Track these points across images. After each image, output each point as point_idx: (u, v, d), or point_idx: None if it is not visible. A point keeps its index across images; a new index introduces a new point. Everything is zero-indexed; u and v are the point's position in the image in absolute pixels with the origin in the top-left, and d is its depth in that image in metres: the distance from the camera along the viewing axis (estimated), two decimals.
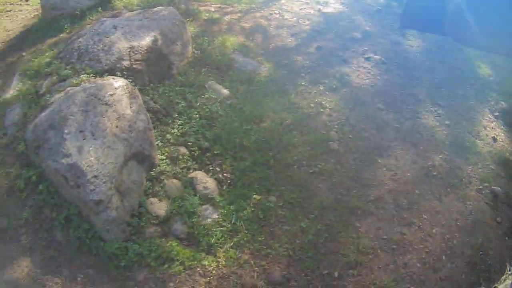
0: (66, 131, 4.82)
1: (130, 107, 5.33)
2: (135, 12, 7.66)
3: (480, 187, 6.04)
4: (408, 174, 6.00)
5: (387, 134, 6.57)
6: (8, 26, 10.26)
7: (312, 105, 6.83)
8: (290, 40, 8.50)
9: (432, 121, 6.98)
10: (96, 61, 6.00)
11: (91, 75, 5.77)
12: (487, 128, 7.16)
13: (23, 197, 5.04)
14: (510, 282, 4.16)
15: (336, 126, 6.48)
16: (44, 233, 4.88)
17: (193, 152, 5.76)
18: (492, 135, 7.02)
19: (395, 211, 5.49)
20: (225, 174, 5.61)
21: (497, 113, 7.57)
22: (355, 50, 8.33)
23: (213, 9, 9.21)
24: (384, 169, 6.02)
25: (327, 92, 7.13)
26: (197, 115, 6.18)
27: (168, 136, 5.86)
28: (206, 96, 6.45)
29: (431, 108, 7.24)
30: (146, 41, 6.46)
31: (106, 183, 4.69)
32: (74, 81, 5.61)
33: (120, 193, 4.89)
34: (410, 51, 8.71)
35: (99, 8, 8.35)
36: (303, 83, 7.28)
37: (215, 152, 5.81)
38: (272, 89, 7.02)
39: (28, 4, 11.36)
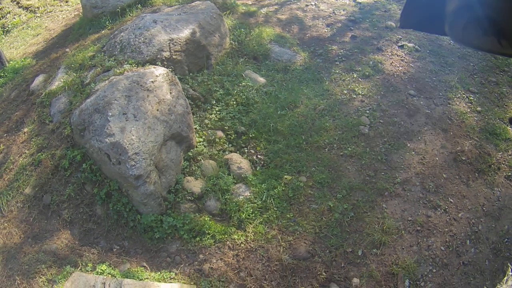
0: (110, 113, 5.23)
1: (170, 92, 5.73)
2: (174, 7, 8.13)
3: (509, 173, 6.02)
4: (437, 159, 6.08)
5: (417, 119, 6.67)
6: (50, 25, 10.99)
7: (345, 91, 7.07)
8: (325, 30, 8.74)
9: (464, 107, 7.03)
10: (138, 53, 6.46)
11: (134, 65, 6.21)
12: None
13: (67, 175, 5.54)
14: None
15: (367, 112, 6.68)
16: (85, 207, 5.35)
17: (229, 136, 6.13)
18: None
19: (422, 194, 5.59)
20: (259, 156, 5.96)
21: None
22: (389, 39, 8.46)
23: (250, 2, 9.60)
24: (413, 152, 6.13)
25: (360, 79, 7.34)
26: (234, 102, 6.54)
27: (206, 121, 6.25)
28: (243, 84, 6.82)
29: (463, 95, 7.29)
30: (184, 33, 6.86)
31: (145, 160, 5.04)
32: (117, 70, 6.07)
33: (158, 169, 5.27)
34: (443, 39, 8.69)
35: (139, 5, 8.89)
36: (337, 71, 7.52)
37: (250, 135, 6.16)
38: (307, 77, 7.31)
39: (68, 4, 12.09)
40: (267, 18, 8.95)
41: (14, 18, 12.28)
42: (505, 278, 4.54)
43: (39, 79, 7.39)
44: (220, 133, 6.14)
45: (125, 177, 5.04)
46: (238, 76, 7.00)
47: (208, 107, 6.47)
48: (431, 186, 5.70)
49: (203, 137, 6.03)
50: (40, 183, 5.61)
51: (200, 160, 5.81)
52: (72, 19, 10.61)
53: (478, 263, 4.98)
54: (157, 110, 5.46)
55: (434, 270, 4.86)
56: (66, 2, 12.45)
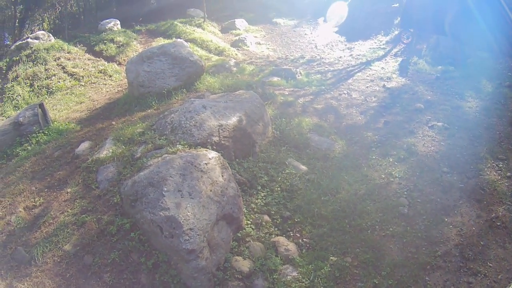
0: (165, 189, 5.62)
1: (222, 175, 6.22)
2: (219, 94, 8.84)
3: None
4: (473, 228, 6.36)
5: (452, 194, 6.99)
6: (93, 96, 11.94)
7: (383, 175, 7.48)
8: (359, 118, 9.36)
9: (494, 175, 7.35)
10: (189, 135, 7.01)
11: (186, 146, 6.75)
12: None
13: (114, 241, 5.79)
14: None
15: (405, 193, 7.03)
16: (129, 274, 5.50)
17: (275, 220, 6.55)
18: None
19: (462, 263, 5.84)
20: (304, 239, 6.31)
21: None
22: (419, 120, 9.01)
23: (287, 93, 10.34)
24: (451, 226, 6.41)
25: (396, 163, 7.76)
26: (279, 188, 7.04)
27: (253, 205, 6.71)
28: (287, 171, 7.34)
29: (493, 163, 7.63)
30: (232, 120, 7.47)
31: (199, 236, 5.33)
32: (170, 149, 6.61)
33: (210, 246, 5.56)
34: (469, 113, 9.28)
35: (184, 89, 9.71)
36: (374, 157, 7.99)
37: (295, 220, 6.55)
38: (346, 164, 7.77)
39: (112, 79, 13.12)
40: (304, 108, 9.63)
41: (59, 82, 13.33)
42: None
43: (85, 145, 8.04)
44: (266, 217, 6.57)
45: (177, 250, 5.29)
46: (281, 163, 7.53)
47: (254, 192, 6.95)
48: (470, 255, 5.96)
49: (251, 220, 6.45)
50: (82, 243, 5.86)
51: (249, 241, 6.14)
52: (116, 93, 11.49)
53: None
54: (211, 190, 5.88)
55: None
56: (110, 76, 13.54)
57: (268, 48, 17.13)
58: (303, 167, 7.63)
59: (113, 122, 9.09)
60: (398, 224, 6.53)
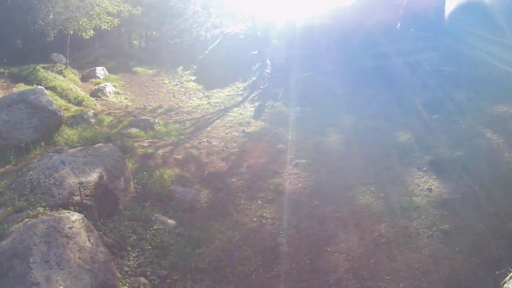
0: (31, 260, 4.79)
1: (89, 239, 5.45)
2: (78, 148, 8.09)
3: (430, 233, 6.28)
4: (360, 250, 6.21)
5: (329, 225, 6.89)
6: None
7: (254, 219, 7.20)
8: (222, 164, 9.10)
9: (367, 198, 7.44)
10: (49, 195, 6.22)
11: (47, 208, 5.86)
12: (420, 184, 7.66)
13: None
14: None
15: (281, 232, 6.80)
16: None
17: (153, 281, 5.80)
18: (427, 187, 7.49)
19: (359, 284, 5.62)
20: None
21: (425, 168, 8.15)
22: (282, 160, 9.01)
23: (146, 144, 9.83)
24: (336, 254, 6.23)
25: (265, 205, 7.57)
26: (149, 246, 6.32)
27: (126, 268, 5.91)
28: (155, 227, 6.69)
29: (364, 189, 7.75)
30: (93, 177, 6.81)
31: None
32: (31, 212, 5.70)
33: None
34: (331, 147, 9.55)
35: (42, 143, 8.83)
36: (242, 201, 7.72)
37: (174, 277, 5.89)
38: (214, 212, 7.40)
39: None
40: (165, 159, 9.18)
41: None
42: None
43: None
44: (143, 279, 5.80)
45: None
46: (148, 220, 6.88)
47: (125, 254, 6.17)
48: (364, 275, 5.75)
49: (127, 284, 5.65)
50: None
51: None
52: None
53: None
54: (80, 258, 5.12)
55: None
56: None
57: (126, 98, 16.66)
58: (171, 221, 7.03)
59: None
60: (282, 263, 6.20)
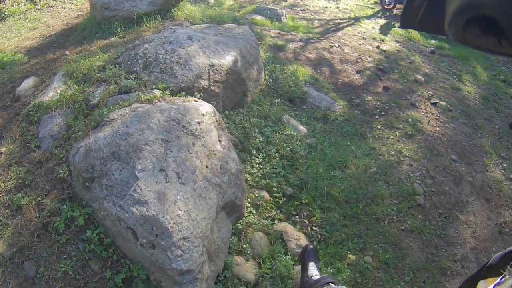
0: (139, 166, 3.42)
1: (219, 141, 4.06)
2: (204, 25, 6.83)
3: None
4: (485, 231, 5.58)
5: (463, 188, 6.10)
6: (49, 21, 9.56)
7: (392, 152, 6.28)
8: (356, 77, 7.99)
9: (499, 174, 6.57)
10: (170, 75, 4.89)
11: (166, 91, 4.69)
12: None
13: (62, 242, 3.65)
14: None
15: (418, 178, 5.94)
16: None
17: (277, 199, 4.89)
18: None
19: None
20: (314, 228, 4.82)
21: None
22: (420, 94, 7.89)
23: (273, 34, 8.73)
24: (465, 226, 5.55)
25: (404, 139, 6.61)
26: (277, 154, 5.38)
27: (247, 176, 4.89)
28: (286, 133, 5.73)
29: (497, 161, 6.84)
30: (227, 60, 5.50)
31: (197, 247, 3.24)
32: (143, 95, 4.43)
33: (210, 257, 3.55)
34: (469, 98, 8.40)
35: (158, 16, 7.56)
36: (378, 127, 6.75)
37: (302, 201, 5.02)
38: (349, 130, 6.47)
39: (72, 3, 10.78)
40: (296, 55, 8.10)
41: (13, 5, 10.79)
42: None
43: (29, 82, 5.64)
44: (266, 195, 4.83)
45: (162, 268, 3.19)
46: (277, 121, 5.95)
47: (248, 157, 5.19)
48: (484, 261, 5.09)
49: (249, 200, 4.68)
50: (20, 244, 3.63)
51: (250, 233, 4.37)
52: (75, 18, 9.18)
53: None
54: (207, 167, 3.71)
55: None
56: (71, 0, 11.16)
57: None
58: (302, 128, 6.09)
59: (67, 52, 6.73)
60: (416, 217, 5.42)
